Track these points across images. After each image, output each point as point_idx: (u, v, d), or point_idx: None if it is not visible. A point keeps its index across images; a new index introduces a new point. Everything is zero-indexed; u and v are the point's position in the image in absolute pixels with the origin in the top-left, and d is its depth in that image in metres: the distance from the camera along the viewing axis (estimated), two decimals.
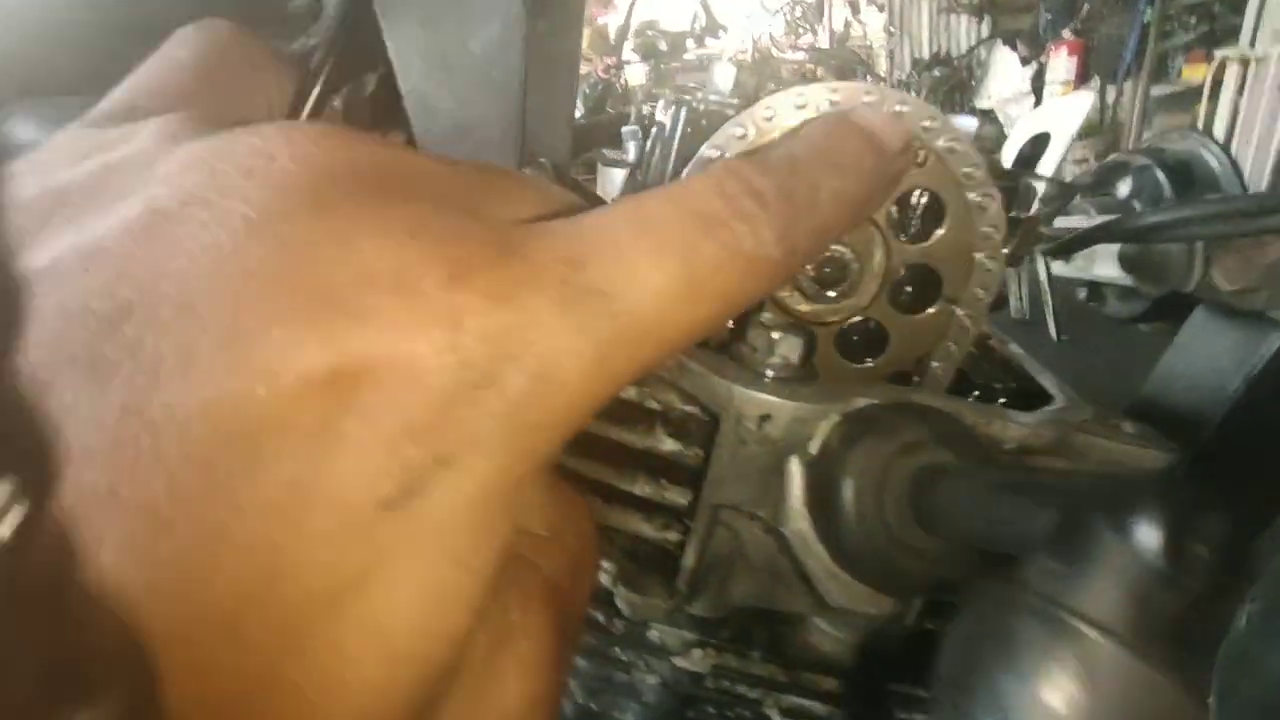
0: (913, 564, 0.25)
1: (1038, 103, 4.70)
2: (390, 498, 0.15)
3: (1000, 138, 0.32)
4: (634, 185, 0.39)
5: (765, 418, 0.27)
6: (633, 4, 5.81)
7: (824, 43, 6.62)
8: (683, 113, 0.34)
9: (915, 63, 5.89)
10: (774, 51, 6.88)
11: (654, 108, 0.44)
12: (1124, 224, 0.38)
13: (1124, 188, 0.52)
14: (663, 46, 7.01)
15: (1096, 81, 4.34)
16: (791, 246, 0.20)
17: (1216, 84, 3.35)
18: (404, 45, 0.40)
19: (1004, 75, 5.28)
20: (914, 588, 0.26)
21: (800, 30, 6.68)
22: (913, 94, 0.33)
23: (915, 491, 0.24)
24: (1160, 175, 0.49)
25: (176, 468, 0.13)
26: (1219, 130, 3.32)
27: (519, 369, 0.15)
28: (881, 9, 6.20)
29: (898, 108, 0.30)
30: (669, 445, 0.31)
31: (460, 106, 0.40)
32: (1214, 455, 0.43)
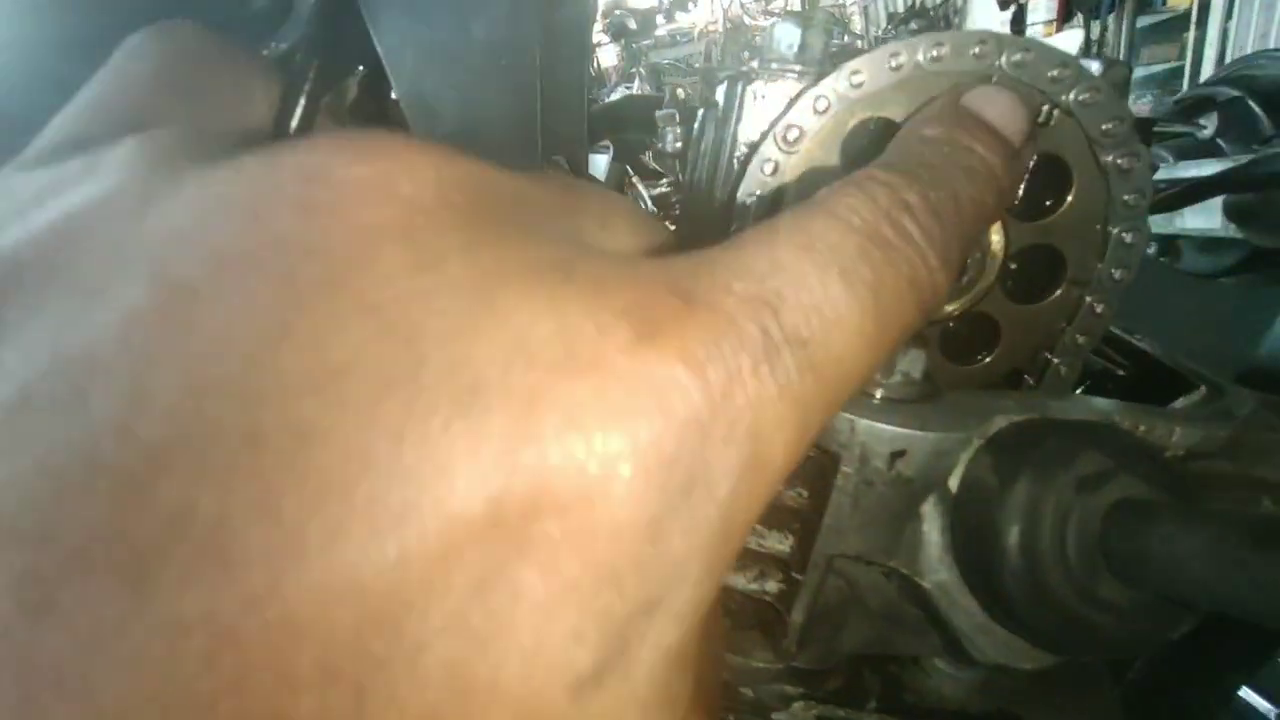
0: (1103, 620, 0.20)
1: None
2: (586, 675, 0.10)
3: (1129, 78, 0.26)
4: (682, 175, 0.33)
5: (899, 454, 0.22)
6: None
7: (795, 5, 6.48)
8: (740, 89, 0.28)
9: (890, 17, 5.77)
10: (746, 19, 6.74)
11: (686, 88, 0.38)
12: (1248, 171, 0.33)
13: (1208, 124, 0.47)
14: (632, 25, 6.86)
15: (1079, 19, 4.24)
16: (951, 266, 0.16)
17: (1204, 8, 3.28)
18: (394, 38, 0.34)
19: (982, 20, 5.17)
20: (1100, 647, 0.22)
21: None
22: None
23: (1108, 536, 0.20)
24: (1255, 107, 0.44)
25: (278, 698, 0.09)
26: (1208, 59, 3.25)
27: (730, 455, 0.11)
28: None
29: (1018, 56, 0.24)
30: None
31: (466, 106, 0.34)
32: None
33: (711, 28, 6.87)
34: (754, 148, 0.27)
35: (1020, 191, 0.26)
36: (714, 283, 0.13)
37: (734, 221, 0.28)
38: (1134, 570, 0.19)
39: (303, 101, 0.26)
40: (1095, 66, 0.27)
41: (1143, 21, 3.73)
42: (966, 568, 0.22)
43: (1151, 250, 0.59)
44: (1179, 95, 0.47)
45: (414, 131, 0.37)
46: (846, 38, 6.34)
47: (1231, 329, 0.48)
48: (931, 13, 5.56)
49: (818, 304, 0.13)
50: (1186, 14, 3.40)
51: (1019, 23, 4.75)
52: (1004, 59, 0.24)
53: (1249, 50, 2.96)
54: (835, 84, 0.25)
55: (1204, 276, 0.52)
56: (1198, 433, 0.24)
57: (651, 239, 0.17)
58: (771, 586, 0.27)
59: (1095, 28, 4.20)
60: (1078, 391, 0.35)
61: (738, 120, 0.29)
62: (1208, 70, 3.27)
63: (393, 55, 0.35)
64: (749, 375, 0.12)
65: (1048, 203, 0.27)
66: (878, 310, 0.14)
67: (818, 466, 0.24)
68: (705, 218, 0.31)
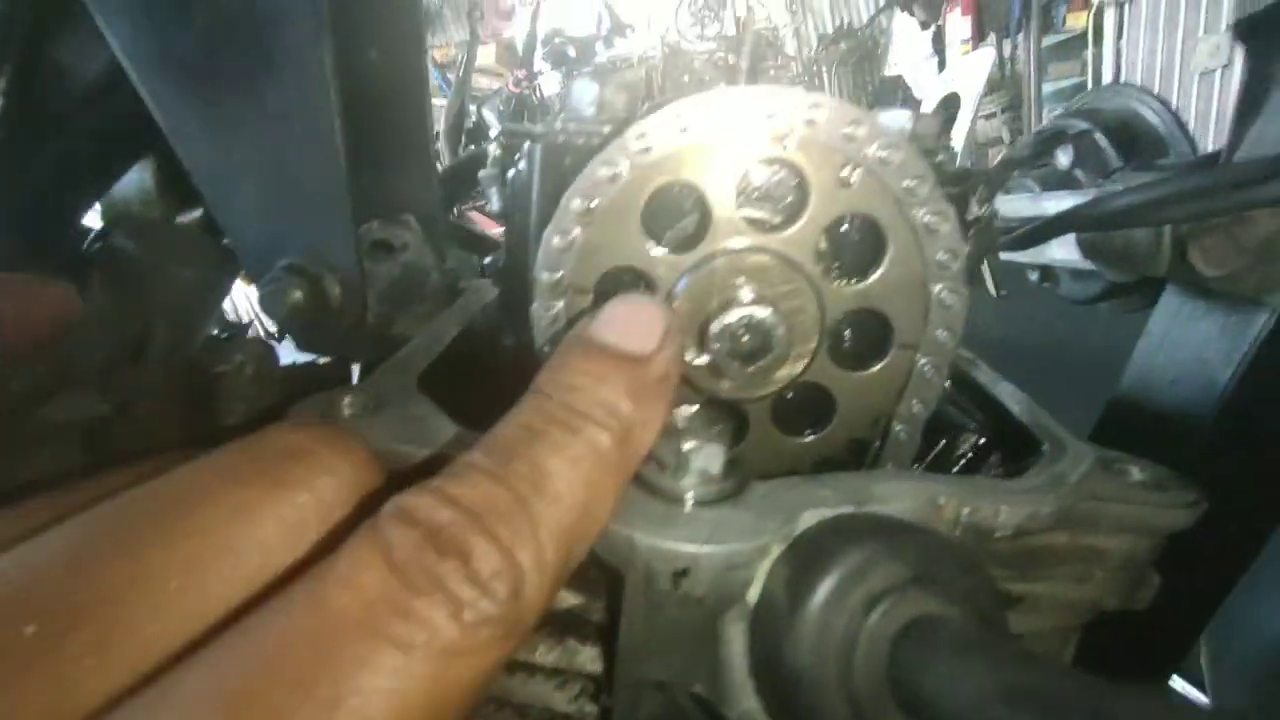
0: None
1: (942, 65, 4.82)
2: None
3: (944, 129, 0.24)
4: (510, 240, 0.31)
5: (682, 573, 0.19)
6: (535, 14, 5.70)
7: (730, 29, 6.67)
8: (538, 153, 0.26)
9: (821, 38, 5.98)
10: (683, 44, 6.88)
11: (507, 147, 0.36)
12: (1088, 211, 0.33)
13: (1064, 157, 0.47)
14: (571, 53, 6.93)
15: (993, 38, 4.48)
16: (513, 581, 0.14)
17: (1098, 29, 3.51)
18: (177, 116, 0.30)
19: (907, 41, 5.40)
20: None
21: (706, 20, 6.69)
22: (826, 92, 0.26)
23: (895, 663, 0.17)
24: (1102, 139, 0.44)
25: None
26: (1106, 76, 3.48)
27: None
28: None
29: (809, 112, 0.22)
30: (570, 599, 0.23)
31: (264, 182, 0.31)
32: (1213, 458, 0.38)
33: (650, 53, 6.99)
34: (548, 218, 0.25)
35: (825, 237, 0.24)
36: None
37: (534, 299, 0.25)
38: (915, 706, 0.17)
39: None
40: (904, 118, 0.26)
41: (1049, 40, 3.97)
42: (768, 693, 0.20)
43: (1035, 277, 0.59)
44: (1038, 128, 0.48)
45: (212, 208, 0.34)
46: (780, 59, 6.56)
47: (1104, 354, 0.47)
48: (859, 34, 5.80)
49: None
50: (1084, 34, 3.63)
51: (939, 42, 4.99)
52: (798, 118, 0.22)
53: (1139, 67, 3.18)
54: (624, 147, 0.23)
55: (1079, 303, 0.52)
56: (1023, 511, 0.23)
57: None
58: (589, 709, 0.24)
59: (1008, 45, 4.45)
60: (939, 449, 0.33)
61: (539, 187, 0.26)
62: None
63: (180, 138, 0.31)
64: None
65: (869, 265, 0.25)
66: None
67: (616, 582, 0.21)
68: (517, 290, 0.28)
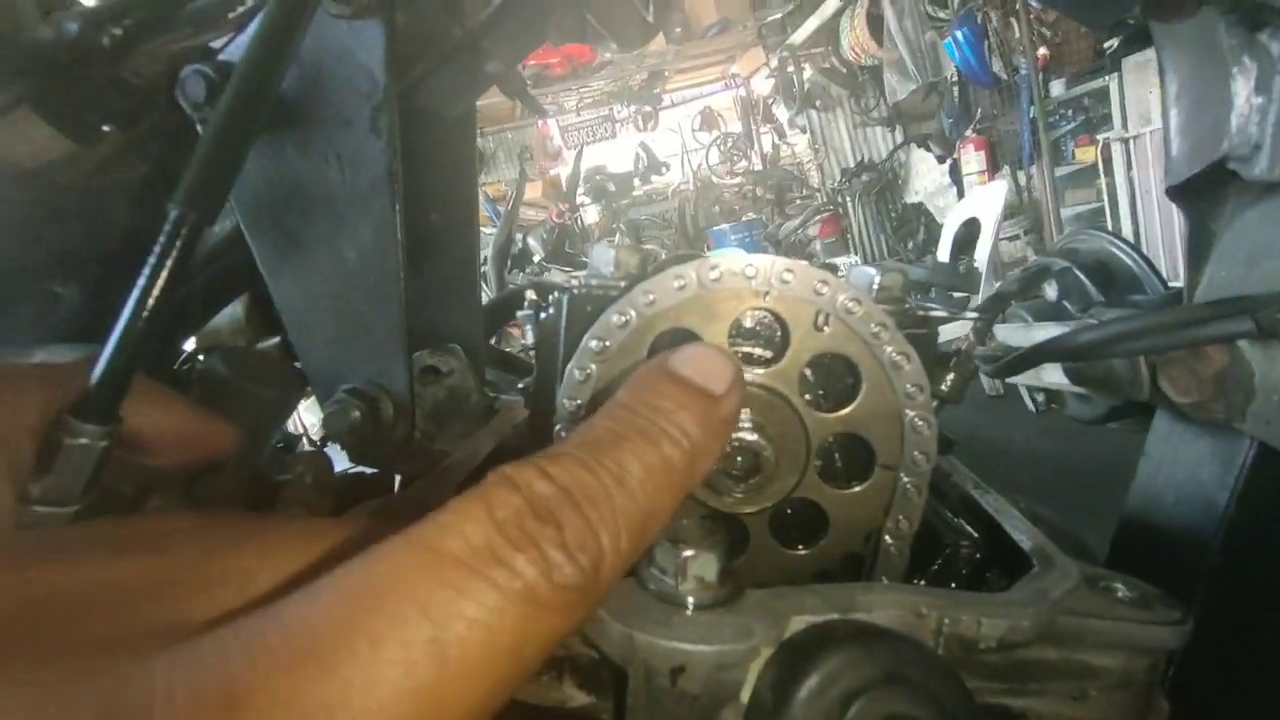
0: None
1: (959, 193, 5.08)
2: None
3: (906, 283, 0.29)
4: (539, 370, 0.36)
5: (679, 670, 0.21)
6: (579, 155, 6.33)
7: (757, 165, 7.23)
8: (565, 302, 0.31)
9: (844, 171, 6.41)
10: (714, 179, 7.47)
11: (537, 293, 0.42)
12: (1059, 344, 0.36)
13: (1051, 290, 0.51)
14: (611, 188, 7.58)
15: (1007, 169, 4.73)
16: (594, 557, 0.16)
17: (1107, 161, 3.71)
18: (274, 262, 0.38)
19: (924, 173, 5.75)
20: None
21: (734, 158, 7.29)
22: (803, 263, 0.30)
23: None
24: (1081, 277, 0.48)
25: None
26: (1122, 200, 3.62)
27: None
28: (804, 130, 6.84)
29: (784, 275, 0.27)
30: (580, 699, 0.25)
31: (339, 319, 0.38)
32: (1222, 586, 0.38)
33: (684, 187, 7.60)
34: (571, 356, 0.29)
35: (807, 398, 0.28)
36: (163, 692, 0.12)
37: (557, 422, 0.29)
38: None
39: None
40: (874, 275, 0.30)
41: (1062, 171, 4.18)
42: None
43: (1041, 398, 0.61)
44: (1024, 266, 0.53)
45: (293, 339, 0.40)
46: (805, 190, 7.01)
47: (1113, 472, 0.48)
48: (879, 167, 6.21)
49: (341, 682, 0.12)
50: (1095, 165, 3.83)
51: (955, 173, 5.29)
52: (772, 277, 0.27)
53: (1153, 193, 3.31)
54: (633, 301, 0.28)
55: (1086, 423, 0.54)
56: (1003, 624, 0.24)
57: (323, 547, 0.17)
58: None
59: (1022, 176, 4.67)
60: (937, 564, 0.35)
61: (565, 329, 0.32)
62: (1124, 209, 3.62)
63: (273, 277, 0.38)
64: None
65: (848, 396, 0.29)
66: (439, 660, 0.13)
67: (618, 680, 0.24)
68: (545, 412, 0.32)
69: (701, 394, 0.20)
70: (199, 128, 0.35)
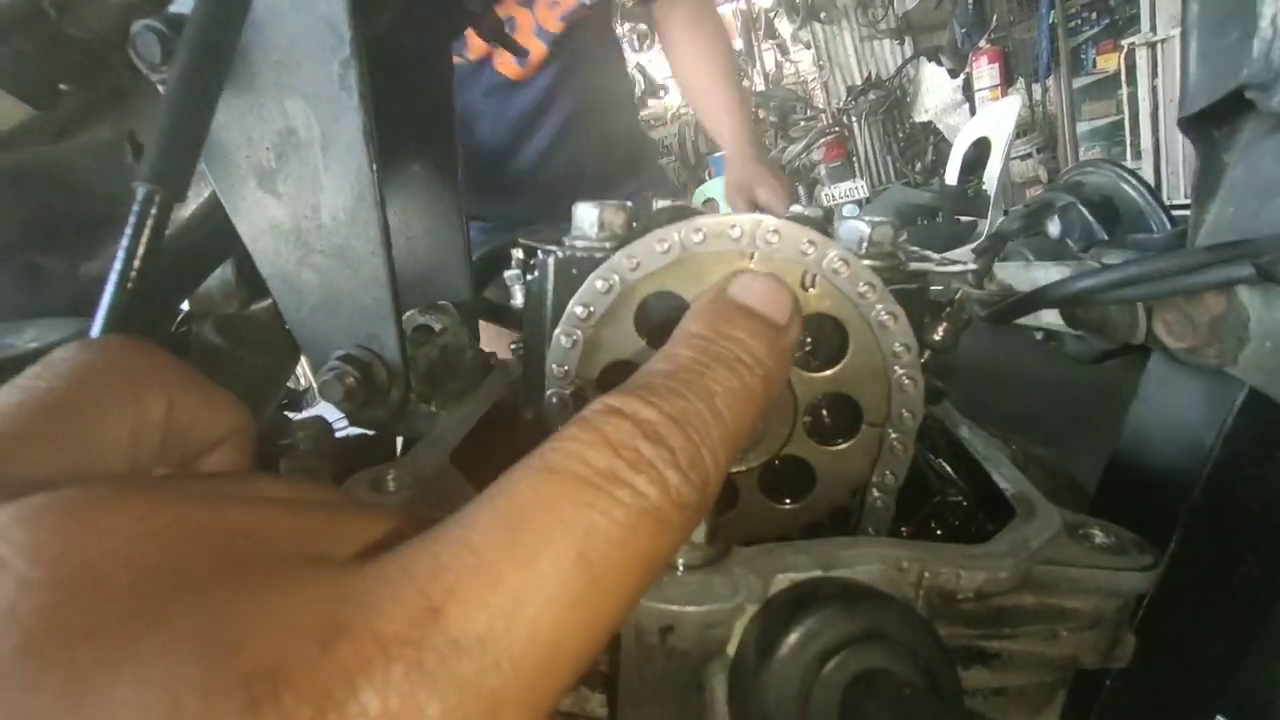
0: None
1: (971, 110, 4.87)
2: None
3: (896, 236, 0.28)
4: (528, 333, 0.36)
5: (668, 629, 0.23)
6: None
7: (760, 85, 6.90)
8: (550, 265, 0.31)
9: (850, 89, 6.12)
10: None
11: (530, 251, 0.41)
12: (1053, 292, 0.36)
13: (1054, 227, 0.50)
14: None
15: (1022, 83, 4.51)
16: (704, 475, 0.17)
17: (1130, 69, 3.51)
18: (256, 229, 0.37)
19: (935, 89, 5.48)
20: None
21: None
22: (784, 219, 0.30)
23: (845, 713, 0.20)
24: (1085, 212, 0.47)
25: None
26: (1144, 112, 3.45)
27: None
28: (808, 46, 6.48)
29: (769, 236, 0.27)
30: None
31: (324, 282, 0.37)
32: (1201, 523, 0.39)
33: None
34: (559, 320, 0.29)
35: (796, 356, 0.28)
36: (379, 598, 0.13)
37: (546, 386, 0.29)
38: None
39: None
40: (863, 229, 0.30)
41: (1079, 82, 3.98)
42: None
43: (1039, 337, 0.61)
44: (1027, 201, 0.51)
45: (282, 307, 0.40)
46: (809, 111, 6.72)
47: (1116, 402, 0.49)
48: (887, 83, 5.93)
49: (497, 594, 0.13)
50: (1116, 74, 3.63)
51: (967, 89, 5.04)
52: (758, 238, 0.27)
53: (1177, 105, 3.15)
54: (616, 266, 0.28)
55: (1085, 362, 0.54)
56: (981, 575, 0.25)
57: (398, 531, 0.17)
58: None
59: (1037, 89, 4.44)
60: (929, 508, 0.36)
61: (552, 293, 0.31)
62: (1144, 122, 3.46)
63: (256, 243, 0.38)
64: (399, 698, 0.12)
65: (836, 355, 0.29)
66: (589, 570, 0.14)
67: (614, 635, 0.25)
68: (534, 378, 0.33)
69: (769, 324, 0.21)
70: (160, 89, 0.33)
